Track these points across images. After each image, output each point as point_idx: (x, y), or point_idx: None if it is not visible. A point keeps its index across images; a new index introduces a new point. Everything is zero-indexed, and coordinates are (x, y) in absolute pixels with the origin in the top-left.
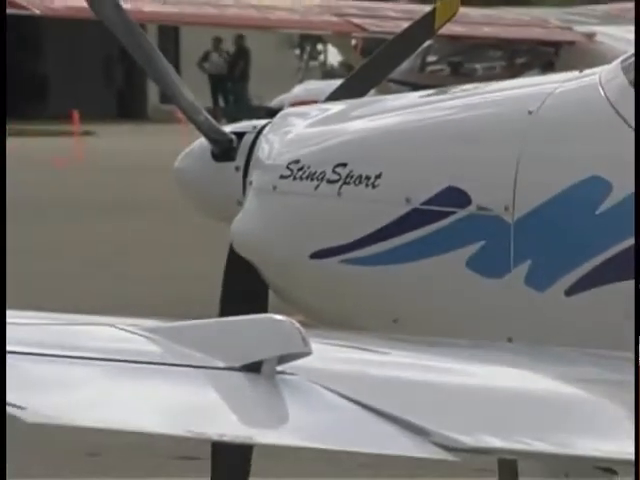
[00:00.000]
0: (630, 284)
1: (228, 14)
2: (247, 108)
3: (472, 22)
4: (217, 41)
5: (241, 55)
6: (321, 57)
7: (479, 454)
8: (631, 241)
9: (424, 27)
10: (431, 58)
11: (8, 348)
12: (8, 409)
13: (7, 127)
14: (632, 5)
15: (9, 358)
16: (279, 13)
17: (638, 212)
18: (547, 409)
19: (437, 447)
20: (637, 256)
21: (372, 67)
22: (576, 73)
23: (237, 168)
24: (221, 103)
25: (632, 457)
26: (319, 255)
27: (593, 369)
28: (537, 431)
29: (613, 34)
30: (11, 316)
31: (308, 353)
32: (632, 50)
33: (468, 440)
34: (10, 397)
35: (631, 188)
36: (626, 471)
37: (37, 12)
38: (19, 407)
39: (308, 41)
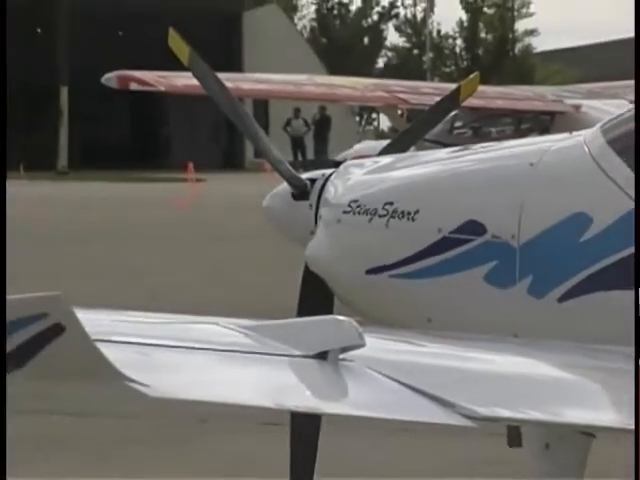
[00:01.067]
0: (605, 294)
1: (305, 90)
2: (327, 162)
3: (488, 97)
4: (297, 110)
5: (323, 121)
6: (375, 123)
7: (492, 422)
8: (607, 262)
9: (451, 100)
10: (457, 124)
11: (134, 340)
12: (136, 386)
13: (142, 175)
14: (610, 84)
15: (137, 348)
16: (344, 90)
17: (638, 213)
18: (544, 388)
19: (461, 416)
20: (637, 256)
21: (412, 130)
22: (567, 135)
23: (310, 206)
24: (299, 157)
25: (609, 424)
26: (372, 272)
27: (582, 357)
28: (536, 404)
29: (594, 106)
30: (139, 316)
31: (363, 345)
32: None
33: (484, 411)
34: (137, 377)
35: (607, 222)
36: (602, 435)
37: (163, 89)
38: (145, 385)
39: (365, 111)
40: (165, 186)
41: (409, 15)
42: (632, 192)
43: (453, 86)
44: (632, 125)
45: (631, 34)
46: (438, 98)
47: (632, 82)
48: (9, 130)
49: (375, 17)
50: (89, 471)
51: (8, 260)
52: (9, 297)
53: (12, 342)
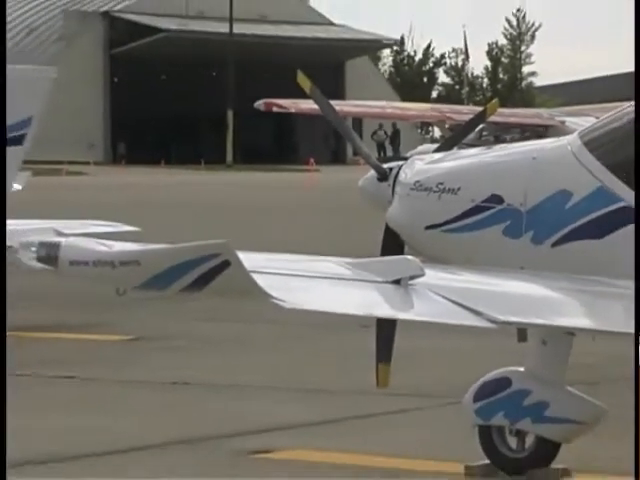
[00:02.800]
0: (582, 242)
1: (385, 112)
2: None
3: (504, 115)
4: (380, 125)
5: (396, 132)
6: (430, 133)
7: (507, 325)
8: (582, 221)
9: (480, 117)
10: (484, 133)
11: (276, 271)
12: (276, 301)
13: (280, 167)
14: (583, 107)
15: (277, 277)
16: (411, 111)
17: (638, 212)
18: (543, 302)
19: (487, 320)
20: (637, 256)
21: (455, 137)
22: (557, 139)
23: (389, 185)
24: (381, 155)
25: (586, 327)
26: (429, 227)
27: (569, 283)
28: (537, 313)
29: (574, 121)
30: (280, 256)
31: (423, 275)
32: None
33: (502, 317)
34: (277, 295)
35: (582, 195)
36: (581, 334)
37: (293, 111)
38: (282, 300)
39: (424, 125)
40: (295, 175)
41: (453, 63)
42: (601, 177)
43: (481, 109)
44: (599, 132)
45: (597, 74)
46: (471, 116)
47: (599, 105)
48: (194, 139)
49: (431, 64)
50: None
51: (194, 229)
52: (192, 243)
53: (194, 273)
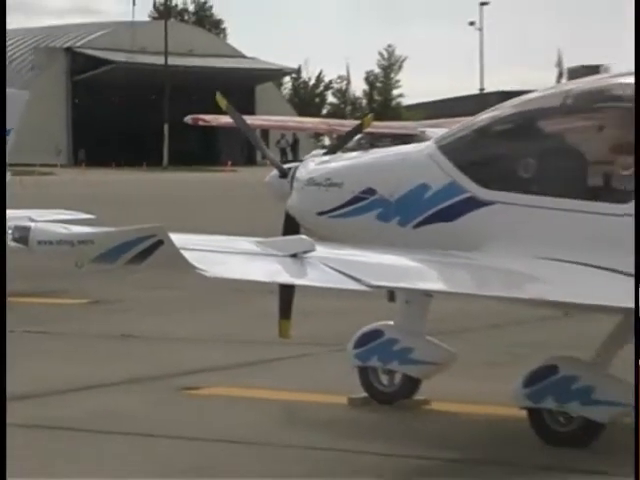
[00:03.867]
0: (437, 224)
1: (287, 124)
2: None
3: (378, 126)
4: (282, 135)
5: (296, 141)
6: (322, 141)
7: (380, 288)
8: (436, 208)
9: (358, 128)
10: (362, 140)
11: (200, 248)
12: (200, 272)
13: (204, 168)
14: (439, 121)
15: (202, 253)
16: (306, 125)
17: (638, 211)
18: (408, 270)
19: (362, 284)
20: (637, 256)
21: (338, 144)
22: (418, 144)
23: (288, 181)
24: (283, 159)
25: (441, 289)
26: (320, 214)
27: (429, 256)
28: (402, 278)
29: (433, 131)
30: (206, 238)
31: (314, 250)
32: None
33: (375, 282)
34: (201, 266)
35: (436, 188)
36: (437, 295)
37: (214, 124)
38: (205, 270)
39: (317, 135)
40: (217, 174)
41: (339, 87)
42: (451, 173)
43: (359, 122)
44: (450, 139)
45: (451, 95)
46: (351, 128)
47: (451, 119)
48: (139, 147)
49: (322, 88)
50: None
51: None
52: (134, 226)
53: (135, 250)
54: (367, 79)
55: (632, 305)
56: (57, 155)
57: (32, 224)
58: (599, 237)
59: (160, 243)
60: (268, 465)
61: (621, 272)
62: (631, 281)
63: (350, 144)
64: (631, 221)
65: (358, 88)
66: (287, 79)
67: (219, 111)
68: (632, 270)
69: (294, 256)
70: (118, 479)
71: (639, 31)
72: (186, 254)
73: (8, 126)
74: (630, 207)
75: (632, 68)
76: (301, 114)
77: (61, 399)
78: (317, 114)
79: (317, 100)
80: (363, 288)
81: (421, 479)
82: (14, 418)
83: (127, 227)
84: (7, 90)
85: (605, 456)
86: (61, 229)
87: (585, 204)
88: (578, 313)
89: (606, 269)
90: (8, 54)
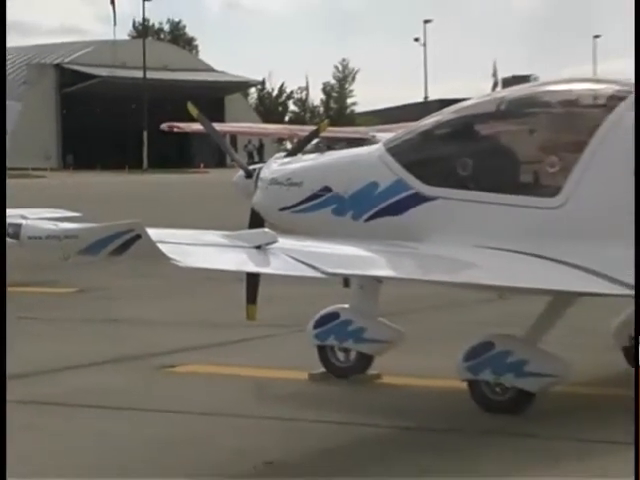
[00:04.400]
0: (385, 218)
1: (253, 130)
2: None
3: (333, 131)
4: (249, 140)
5: (262, 146)
6: (284, 145)
7: (336, 275)
8: (385, 204)
9: (315, 133)
10: (320, 144)
11: (175, 241)
12: (174, 262)
13: (179, 170)
14: (389, 126)
15: (175, 245)
16: (270, 130)
17: (638, 211)
18: (362, 258)
19: (318, 272)
20: (637, 255)
21: (298, 147)
22: (369, 147)
23: (254, 181)
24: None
25: (391, 275)
26: (282, 209)
27: (381, 246)
28: (358, 266)
29: (382, 135)
30: (180, 232)
31: (277, 242)
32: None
33: (331, 270)
34: (175, 257)
35: (385, 186)
36: (387, 281)
37: (188, 130)
38: (179, 261)
39: (280, 140)
40: (191, 175)
41: (299, 97)
42: (398, 172)
43: (315, 127)
44: (396, 142)
45: (398, 104)
46: (309, 133)
47: (397, 125)
48: (121, 151)
49: (284, 98)
50: (159, 296)
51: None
52: (114, 222)
53: (116, 243)
54: (324, 89)
55: (557, 287)
56: (47, 160)
57: (23, 221)
58: (529, 227)
59: (138, 237)
60: (242, 434)
61: (548, 258)
62: (557, 266)
63: (308, 147)
64: (558, 213)
65: (316, 97)
66: (253, 90)
67: (192, 119)
68: (558, 256)
69: (259, 247)
70: (104, 449)
71: (639, 31)
72: (162, 247)
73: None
74: (556, 200)
75: (558, 78)
76: (265, 121)
77: (52, 377)
78: (280, 121)
79: (280, 109)
80: (321, 275)
81: (376, 445)
82: (9, 396)
83: (108, 223)
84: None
85: (536, 421)
86: (50, 225)
87: (517, 198)
88: (512, 295)
89: (535, 256)
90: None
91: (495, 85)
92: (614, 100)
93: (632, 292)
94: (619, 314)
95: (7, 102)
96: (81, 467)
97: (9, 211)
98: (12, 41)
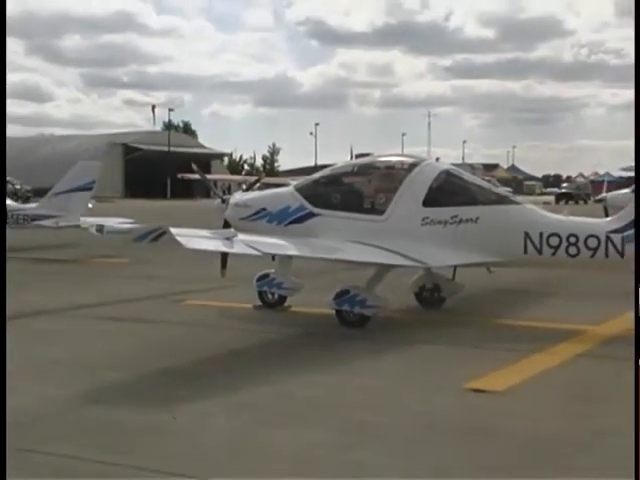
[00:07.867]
0: (297, 224)
1: (226, 179)
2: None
3: (268, 180)
4: (224, 183)
5: (229, 187)
6: (243, 187)
7: (270, 254)
8: (295, 216)
9: (258, 180)
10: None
11: (187, 234)
12: (184, 246)
13: (188, 200)
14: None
15: (189, 238)
16: (235, 179)
17: (638, 210)
18: (279, 245)
19: (263, 253)
20: (637, 256)
21: (249, 187)
22: (287, 187)
23: (226, 205)
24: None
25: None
26: (241, 219)
27: (296, 239)
28: (279, 249)
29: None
30: (191, 230)
31: (237, 236)
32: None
33: (266, 250)
34: (186, 243)
35: (293, 208)
36: (296, 258)
37: (192, 178)
38: (185, 245)
39: (240, 184)
40: (189, 202)
41: (250, 162)
42: (300, 200)
43: (257, 177)
44: (301, 184)
45: (300, 166)
46: (254, 180)
47: (303, 176)
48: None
49: (242, 162)
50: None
51: None
52: (151, 224)
53: (151, 236)
54: (263, 158)
55: (382, 261)
56: (116, 192)
57: (104, 223)
58: (370, 231)
59: (164, 232)
60: (212, 335)
61: (379, 247)
62: (382, 251)
63: (255, 187)
64: (384, 224)
65: (259, 162)
66: (226, 158)
67: (192, 172)
68: (385, 246)
69: (228, 239)
70: (142, 340)
71: (639, 32)
72: (178, 238)
73: (92, 178)
74: (383, 217)
75: (383, 154)
76: (232, 174)
77: (116, 305)
78: (240, 174)
79: (240, 168)
80: (260, 254)
81: (281, 343)
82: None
83: (147, 225)
84: (93, 162)
85: (370, 332)
86: (118, 226)
87: (364, 216)
88: (360, 267)
89: (373, 246)
90: (94, 147)
91: (352, 157)
92: (412, 166)
93: (420, 264)
94: (413, 276)
95: (93, 162)
96: (131, 347)
97: (110, 220)
98: (104, 130)
